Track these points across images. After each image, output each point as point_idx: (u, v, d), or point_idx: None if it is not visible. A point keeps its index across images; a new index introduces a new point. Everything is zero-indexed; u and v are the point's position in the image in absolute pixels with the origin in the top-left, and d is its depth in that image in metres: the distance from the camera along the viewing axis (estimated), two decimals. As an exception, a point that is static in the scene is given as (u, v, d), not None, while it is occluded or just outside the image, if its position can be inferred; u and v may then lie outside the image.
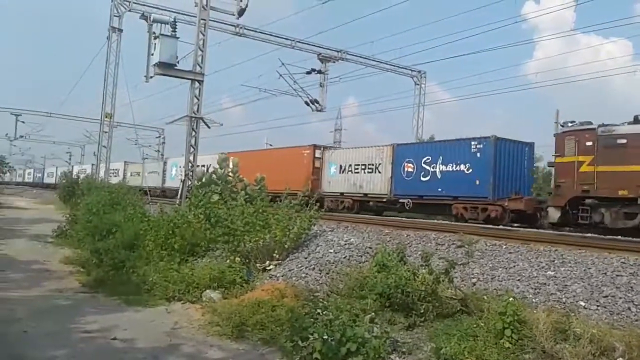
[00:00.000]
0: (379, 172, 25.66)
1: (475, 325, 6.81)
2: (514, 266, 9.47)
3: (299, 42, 30.36)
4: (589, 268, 9.44)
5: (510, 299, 6.90)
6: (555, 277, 9.07)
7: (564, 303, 8.22)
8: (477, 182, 21.11)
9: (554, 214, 18.08)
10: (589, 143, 17.44)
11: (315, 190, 28.07)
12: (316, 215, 11.84)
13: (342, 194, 27.43)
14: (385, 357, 6.35)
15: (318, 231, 12.62)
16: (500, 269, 9.35)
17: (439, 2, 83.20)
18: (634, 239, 13.93)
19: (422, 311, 7.45)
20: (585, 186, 17.35)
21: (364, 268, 9.21)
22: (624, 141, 16.62)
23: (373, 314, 7.27)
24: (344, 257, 10.61)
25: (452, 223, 19.99)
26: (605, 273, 9.20)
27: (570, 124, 18.54)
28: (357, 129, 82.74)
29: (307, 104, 31.31)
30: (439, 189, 22.58)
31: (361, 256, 10.64)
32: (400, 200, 23.94)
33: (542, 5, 66.17)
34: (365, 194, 26.16)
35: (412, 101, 36.35)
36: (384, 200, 24.97)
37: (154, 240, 11.72)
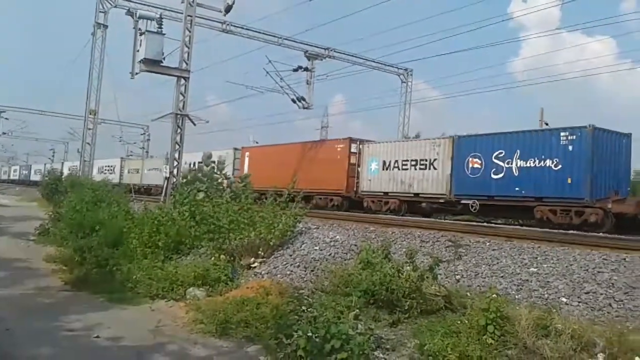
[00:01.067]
0: (435, 169, 22.83)
1: (458, 322, 6.88)
2: (498, 263, 9.56)
3: (286, 39, 30.29)
4: (571, 265, 9.57)
5: (493, 295, 6.96)
6: (538, 273, 9.16)
7: (546, 299, 8.33)
8: (569, 181, 18.28)
9: None
10: None
11: (351, 190, 26.78)
12: (301, 213, 11.82)
13: (385, 193, 24.78)
14: (369, 354, 6.37)
15: (303, 228, 12.63)
16: (483, 266, 9.43)
17: (426, 0, 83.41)
18: (615, 236, 14.06)
19: (406, 308, 7.49)
20: None
21: (349, 265, 9.23)
22: None
23: (357, 310, 7.29)
24: (329, 255, 10.63)
25: (438, 220, 19.74)
26: (587, 270, 9.33)
27: None
28: (344, 126, 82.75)
29: (294, 102, 31.19)
30: (517, 189, 19.53)
31: (346, 253, 10.65)
32: (463, 202, 21.15)
33: (529, 4, 66.53)
34: (416, 194, 23.32)
35: (399, 99, 36.24)
36: (441, 201, 22.23)
37: (137, 238, 11.65)
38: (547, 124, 23.29)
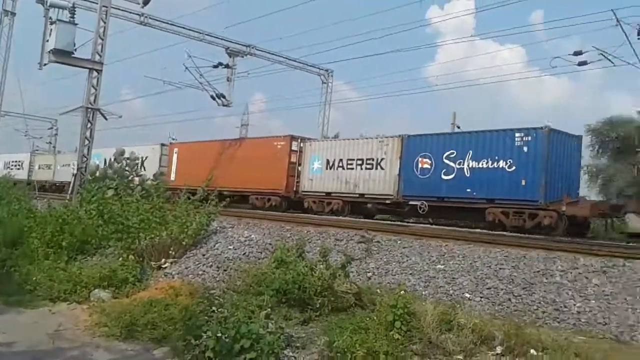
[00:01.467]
0: (382, 169, 22.38)
1: (367, 318, 7.16)
2: (407, 260, 10.01)
3: (207, 35, 29.77)
4: (475, 262, 10.22)
5: (402, 292, 7.22)
6: (444, 270, 9.65)
7: (451, 295, 8.79)
8: (523, 182, 18.01)
9: (636, 221, 16.17)
10: None
11: (291, 190, 26.16)
12: (215, 211, 11.61)
13: (328, 193, 24.26)
14: (279, 353, 6.42)
15: (218, 227, 12.56)
16: (394, 263, 9.84)
17: (347, 2, 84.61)
18: (516, 235, 14.88)
19: (317, 306, 7.70)
20: None
21: (263, 264, 9.22)
22: None
23: (269, 310, 7.42)
24: (243, 254, 10.70)
25: (351, 219, 19.91)
26: (490, 266, 10.01)
27: None
28: (264, 125, 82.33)
29: (213, 98, 30.69)
30: (468, 190, 19.30)
31: (260, 252, 10.76)
32: (411, 203, 20.80)
33: (446, 11, 69.28)
34: (362, 195, 22.95)
35: (319, 99, 36.47)
36: (388, 202, 21.92)
37: (39, 237, 11.02)
38: (458, 127, 24.00)
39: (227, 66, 31.53)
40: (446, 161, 19.92)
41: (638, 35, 19.99)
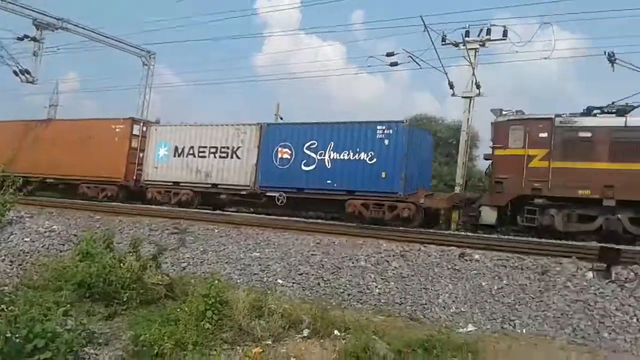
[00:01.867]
0: (238, 158, 21.42)
1: (178, 310, 7.05)
2: (224, 249, 10.28)
3: (10, 2, 26.21)
4: (290, 249, 10.81)
5: (215, 281, 7.17)
6: (260, 258, 10.05)
7: (265, 282, 9.00)
8: (384, 175, 18.21)
9: (490, 215, 16.24)
10: (543, 134, 15.79)
11: (131, 179, 23.92)
12: (12, 200, 10.39)
13: (176, 183, 22.90)
14: (77, 351, 5.98)
15: (15, 218, 11.22)
16: (210, 253, 10.06)
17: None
18: (326, 222, 15.57)
19: (124, 299, 7.26)
20: (536, 183, 15.74)
21: (66, 257, 8.45)
22: (589, 134, 15.31)
23: (69, 306, 6.96)
24: (43, 246, 10.13)
25: (167, 208, 19.06)
26: (302, 253, 10.47)
27: (513, 112, 16.59)
28: (76, 106, 75.42)
29: (17, 74, 27.32)
30: (328, 181, 19.22)
31: (63, 244, 10.32)
32: (269, 194, 20.33)
33: (273, 3, 70.06)
34: (215, 185, 21.96)
35: (140, 82, 34.59)
36: (243, 192, 21.08)
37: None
38: (281, 118, 24.13)
39: (34, 39, 28.32)
40: (307, 152, 19.76)
41: (442, 41, 22.33)
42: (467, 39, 22.06)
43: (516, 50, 21.25)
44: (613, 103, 15.84)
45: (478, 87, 22.20)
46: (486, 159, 17.41)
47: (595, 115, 15.65)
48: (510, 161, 15.94)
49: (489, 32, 21.86)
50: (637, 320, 8.77)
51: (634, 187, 14.30)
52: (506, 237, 15.23)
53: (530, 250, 11.91)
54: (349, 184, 18.96)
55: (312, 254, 10.90)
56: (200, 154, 22.37)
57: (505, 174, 16.00)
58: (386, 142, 18.43)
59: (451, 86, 22.52)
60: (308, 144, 19.76)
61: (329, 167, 19.27)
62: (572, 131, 15.38)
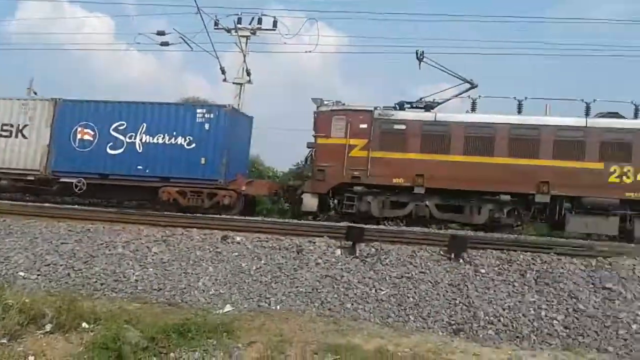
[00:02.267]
0: (24, 138, 18.77)
1: None
2: None
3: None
4: (36, 238, 9.95)
5: None
6: None
7: (4, 275, 8.00)
8: (203, 161, 17.66)
9: (312, 202, 16.76)
10: (364, 125, 16.78)
11: None
12: None
13: None
14: None
15: None
16: None
17: None
18: (79, 208, 15.56)
19: None
20: (356, 172, 16.68)
21: None
22: (403, 127, 16.71)
23: None
24: None
25: None
26: (51, 242, 9.62)
27: (333, 103, 17.04)
28: None
29: None
30: (139, 167, 18.00)
31: None
32: (63, 180, 18.25)
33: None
34: None
35: None
36: (31, 178, 18.53)
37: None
38: (35, 93, 22.35)
39: None
40: (114, 133, 18.24)
41: (215, 25, 22.84)
42: (239, 25, 22.67)
43: (284, 42, 22.36)
44: (421, 99, 17.30)
45: (249, 74, 22.85)
46: (309, 147, 17.78)
47: (405, 109, 17.07)
48: (332, 150, 16.70)
49: (260, 21, 22.75)
50: (375, 291, 9.79)
51: (441, 176, 15.87)
52: (269, 219, 15.86)
53: (288, 231, 12.46)
54: (163, 170, 17.91)
55: (63, 242, 10.47)
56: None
57: (327, 162, 16.72)
58: (207, 126, 17.91)
59: (223, 71, 22.98)
60: (115, 125, 18.29)
61: (140, 151, 18.05)
62: (389, 123, 16.70)
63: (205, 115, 17.94)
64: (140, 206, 18.40)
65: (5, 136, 18.93)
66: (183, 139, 17.87)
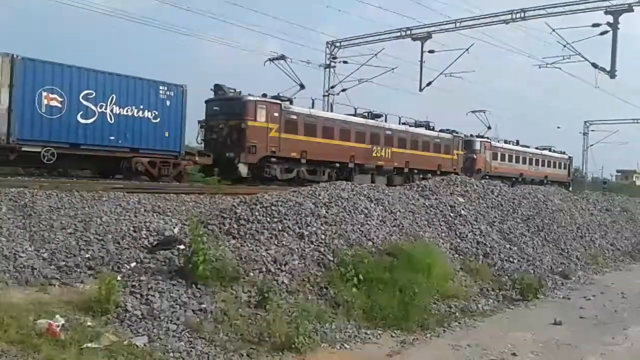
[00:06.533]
0: None
1: None
2: None
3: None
4: None
5: None
6: None
7: None
8: (167, 134, 19.73)
9: (245, 170, 21.71)
10: (276, 114, 22.96)
11: None
12: None
13: None
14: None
15: None
16: None
17: None
18: None
19: None
20: (273, 148, 22.80)
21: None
22: (295, 117, 24.02)
23: None
24: None
25: None
26: None
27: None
28: None
29: None
30: (111, 137, 18.42)
31: None
32: (26, 149, 16.55)
33: None
34: None
35: None
36: None
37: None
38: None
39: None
40: (83, 101, 17.86)
41: None
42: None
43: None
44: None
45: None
46: (202, 127, 22.97)
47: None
48: (258, 131, 22.28)
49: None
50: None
51: (311, 151, 24.14)
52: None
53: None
54: (134, 142, 19.08)
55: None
56: None
57: (256, 140, 22.16)
58: (168, 102, 19.92)
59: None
60: (85, 92, 17.82)
61: (111, 122, 18.43)
62: (290, 114, 23.77)
63: (167, 93, 19.72)
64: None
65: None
66: (149, 113, 19.24)
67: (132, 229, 10.05)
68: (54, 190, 11.41)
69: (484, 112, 39.02)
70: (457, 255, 12.96)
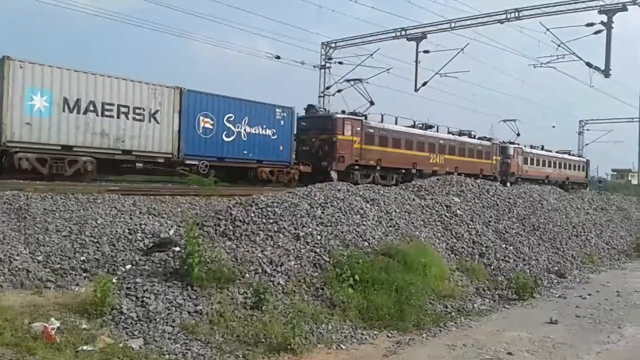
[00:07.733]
0: (157, 123, 19.95)
1: None
2: None
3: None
4: None
5: None
6: None
7: None
8: (281, 148, 24.23)
9: (335, 176, 24.51)
10: (359, 129, 26.77)
11: None
12: None
13: (68, 147, 17.70)
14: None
15: None
16: None
17: None
18: None
19: None
20: (356, 157, 26.55)
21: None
22: (372, 131, 27.76)
23: None
24: None
25: None
26: None
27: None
28: None
29: None
30: (245, 152, 22.89)
31: None
32: (188, 162, 20.81)
33: None
34: (130, 151, 19.36)
35: None
36: (161, 161, 20.12)
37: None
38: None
39: None
40: (227, 124, 22.34)
41: None
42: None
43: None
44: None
45: None
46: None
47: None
48: (345, 144, 26.29)
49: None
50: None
51: (387, 159, 28.23)
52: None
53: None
54: (259, 155, 23.57)
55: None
56: (107, 113, 18.58)
57: (344, 152, 26.15)
58: (282, 122, 24.61)
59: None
60: (227, 116, 22.33)
61: (245, 139, 23.01)
62: (368, 128, 27.75)
63: (281, 114, 24.36)
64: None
65: (139, 120, 19.24)
66: (270, 131, 23.81)
67: (127, 231, 10.07)
68: (49, 192, 11.46)
69: (514, 121, 43.22)
70: (453, 255, 13.11)
